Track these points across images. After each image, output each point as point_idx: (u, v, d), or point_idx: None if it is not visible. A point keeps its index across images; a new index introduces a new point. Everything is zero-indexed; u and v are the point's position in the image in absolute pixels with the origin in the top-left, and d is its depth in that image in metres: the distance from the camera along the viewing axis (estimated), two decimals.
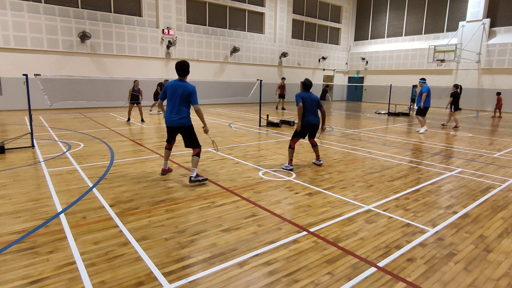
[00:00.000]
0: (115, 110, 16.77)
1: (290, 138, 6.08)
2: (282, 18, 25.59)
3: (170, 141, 5.65)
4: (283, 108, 19.25)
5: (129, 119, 12.44)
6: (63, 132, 9.90)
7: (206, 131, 5.41)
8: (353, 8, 30.61)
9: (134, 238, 3.37)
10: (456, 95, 12.53)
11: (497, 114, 18.17)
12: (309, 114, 6.15)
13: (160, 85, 15.05)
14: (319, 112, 6.41)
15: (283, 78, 19.32)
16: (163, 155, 5.80)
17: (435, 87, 22.67)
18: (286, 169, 6.07)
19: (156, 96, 15.27)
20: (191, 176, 5.13)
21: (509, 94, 21.21)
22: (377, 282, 2.73)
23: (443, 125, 13.16)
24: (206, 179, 5.25)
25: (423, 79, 11.40)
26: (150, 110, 15.74)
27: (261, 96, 12.13)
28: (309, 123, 6.17)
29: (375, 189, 5.12)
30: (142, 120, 12.49)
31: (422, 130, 11.21)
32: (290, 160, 6.17)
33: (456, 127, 12.58)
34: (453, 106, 12.59)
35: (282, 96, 18.95)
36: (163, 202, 4.39)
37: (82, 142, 8.29)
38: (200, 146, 5.39)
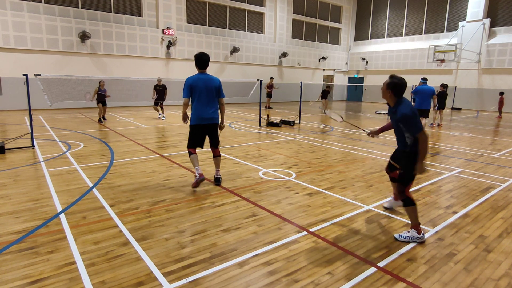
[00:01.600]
0: (115, 110, 16.77)
1: (403, 188, 3.44)
2: (282, 18, 25.58)
3: (200, 144, 4.97)
4: (269, 107, 19.89)
5: (100, 120, 12.29)
6: (63, 132, 9.90)
7: (223, 127, 5.11)
8: (353, 8, 30.61)
9: (134, 238, 3.37)
10: (442, 94, 12.58)
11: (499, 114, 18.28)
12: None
13: (156, 87, 13.40)
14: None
15: (271, 78, 20.31)
16: (192, 162, 4.89)
17: (435, 87, 22.59)
18: (418, 241, 3.41)
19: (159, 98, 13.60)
20: (220, 177, 5.17)
21: (509, 94, 21.20)
22: (377, 282, 2.73)
23: (431, 125, 13.00)
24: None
25: (424, 78, 10.92)
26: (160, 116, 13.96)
27: (261, 96, 12.12)
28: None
29: (375, 189, 5.12)
30: (101, 120, 12.26)
31: None
32: (417, 225, 3.42)
33: (438, 125, 12.81)
34: (437, 105, 12.67)
35: (269, 95, 19.81)
36: (163, 202, 4.39)
37: (82, 142, 8.29)
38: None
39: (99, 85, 12.05)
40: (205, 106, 4.78)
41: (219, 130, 5.11)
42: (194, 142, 4.94)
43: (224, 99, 5.06)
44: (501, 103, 17.54)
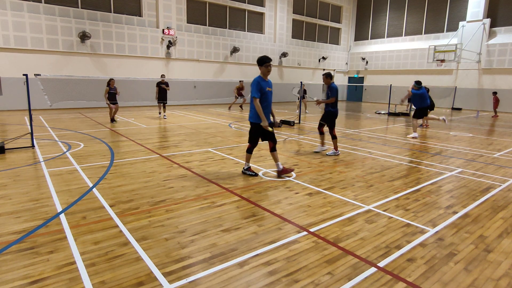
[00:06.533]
0: None
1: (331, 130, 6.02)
2: (282, 18, 25.58)
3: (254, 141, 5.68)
4: (240, 107, 19.29)
5: (112, 120, 12.35)
6: (63, 132, 9.90)
7: (264, 126, 5.38)
8: (353, 8, 30.61)
9: (134, 238, 3.37)
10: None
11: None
12: None
13: (159, 84, 13.58)
14: None
15: (241, 81, 19.00)
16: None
17: (435, 87, 22.65)
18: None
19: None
20: (278, 170, 5.62)
21: (509, 94, 21.20)
22: (377, 282, 2.73)
23: (421, 126, 12.63)
24: (256, 174, 5.75)
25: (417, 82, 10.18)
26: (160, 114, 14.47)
27: None
28: None
29: (375, 189, 5.12)
30: (113, 120, 12.35)
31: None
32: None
33: (422, 125, 12.53)
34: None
35: (241, 95, 18.72)
36: (163, 202, 4.39)
37: (82, 142, 8.29)
38: (275, 141, 5.64)
39: (108, 85, 11.90)
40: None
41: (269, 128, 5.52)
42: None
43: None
44: (496, 102, 18.72)
